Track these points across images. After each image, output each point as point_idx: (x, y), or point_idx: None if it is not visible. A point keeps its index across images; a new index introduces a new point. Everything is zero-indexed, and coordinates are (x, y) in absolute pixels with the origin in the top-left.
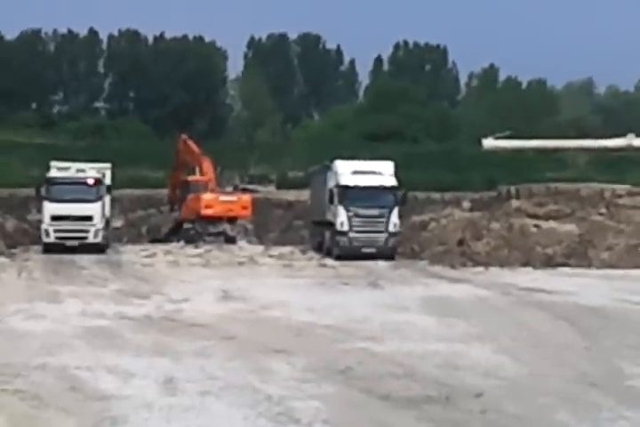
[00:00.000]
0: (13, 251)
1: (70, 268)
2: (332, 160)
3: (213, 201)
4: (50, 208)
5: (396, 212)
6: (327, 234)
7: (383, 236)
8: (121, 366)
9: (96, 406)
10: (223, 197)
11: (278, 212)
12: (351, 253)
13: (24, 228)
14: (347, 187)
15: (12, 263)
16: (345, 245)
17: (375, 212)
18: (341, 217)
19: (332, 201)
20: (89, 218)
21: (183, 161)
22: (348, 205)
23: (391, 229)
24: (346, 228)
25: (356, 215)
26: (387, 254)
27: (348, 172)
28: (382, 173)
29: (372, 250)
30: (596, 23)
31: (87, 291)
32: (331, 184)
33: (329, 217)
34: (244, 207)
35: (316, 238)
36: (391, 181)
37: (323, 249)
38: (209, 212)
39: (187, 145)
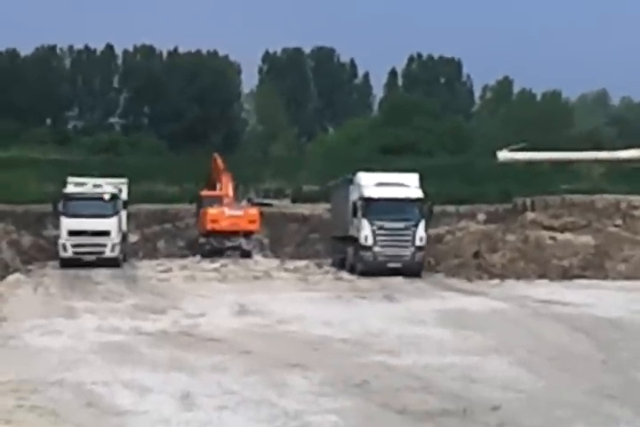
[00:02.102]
0: (29, 267)
1: (86, 283)
2: (353, 173)
3: (219, 215)
4: (67, 223)
5: (422, 225)
6: (350, 249)
7: (409, 250)
8: (137, 382)
9: (113, 421)
10: (229, 212)
11: (293, 226)
12: (376, 269)
13: (40, 244)
14: (371, 199)
15: (28, 279)
16: (369, 261)
17: (401, 225)
18: (365, 231)
19: (355, 214)
20: (106, 233)
21: (214, 179)
22: (372, 219)
23: (417, 242)
24: (370, 242)
25: (381, 229)
26: (413, 269)
27: (371, 184)
28: (407, 184)
29: (398, 265)
30: (609, 35)
31: (103, 306)
32: (354, 197)
33: (352, 232)
34: (252, 221)
35: (338, 255)
36: (417, 193)
37: (345, 265)
38: (214, 226)
39: (215, 162)
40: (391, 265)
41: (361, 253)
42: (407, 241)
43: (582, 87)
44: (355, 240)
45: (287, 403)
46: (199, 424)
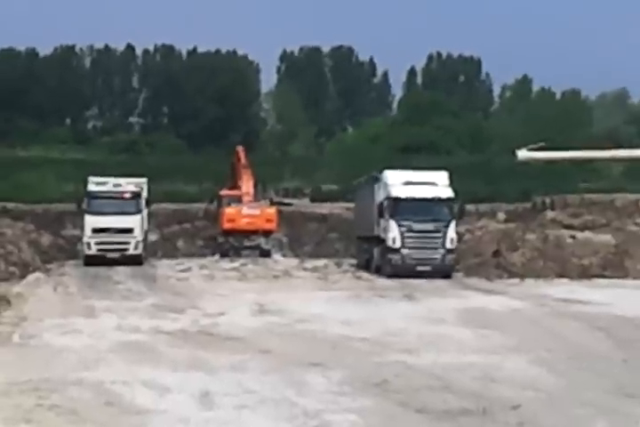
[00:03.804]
0: (49, 266)
1: (106, 282)
2: (380, 171)
3: (235, 215)
4: (91, 221)
5: (453, 226)
6: (376, 251)
7: (439, 252)
8: (157, 381)
9: (132, 420)
10: (246, 211)
11: (313, 225)
12: (404, 272)
13: (59, 243)
14: (398, 199)
15: (47, 278)
16: (397, 264)
17: (430, 226)
18: (393, 232)
19: (381, 215)
20: (130, 230)
21: (235, 174)
22: (400, 220)
23: (448, 244)
24: (398, 244)
25: (410, 231)
26: (443, 273)
27: (399, 183)
28: (436, 183)
29: (428, 268)
30: (629, 33)
31: (122, 305)
32: (380, 196)
33: (378, 232)
34: (269, 220)
35: (363, 255)
36: (447, 193)
37: (371, 267)
38: (231, 225)
39: (237, 155)
40: (420, 268)
41: (389, 255)
42: (437, 243)
43: (602, 86)
44: (381, 241)
45: (307, 402)
46: (219, 423)
